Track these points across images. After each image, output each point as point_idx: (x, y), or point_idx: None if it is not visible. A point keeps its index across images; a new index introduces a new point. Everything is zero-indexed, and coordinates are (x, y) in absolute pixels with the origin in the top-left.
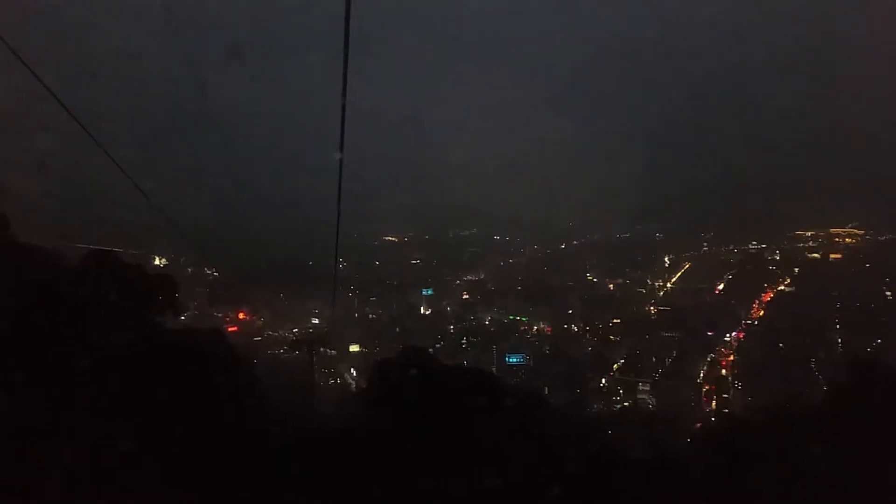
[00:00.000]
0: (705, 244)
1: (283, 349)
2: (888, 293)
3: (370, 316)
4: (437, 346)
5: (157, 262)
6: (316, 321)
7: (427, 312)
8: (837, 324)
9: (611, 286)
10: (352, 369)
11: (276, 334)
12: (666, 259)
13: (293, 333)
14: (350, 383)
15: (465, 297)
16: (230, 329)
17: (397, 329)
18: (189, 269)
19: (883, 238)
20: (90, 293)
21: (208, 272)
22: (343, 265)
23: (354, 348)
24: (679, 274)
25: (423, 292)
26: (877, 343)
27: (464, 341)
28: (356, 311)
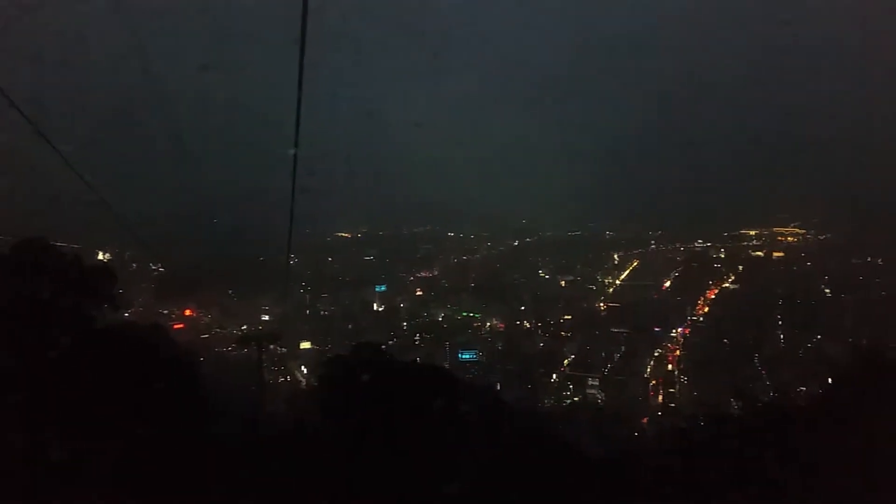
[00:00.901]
0: (653, 242)
1: (232, 347)
2: (827, 290)
3: (322, 313)
4: (391, 342)
5: (100, 256)
6: (266, 318)
7: (380, 309)
8: (780, 320)
9: (562, 283)
10: (302, 367)
11: (225, 332)
12: (615, 256)
13: (242, 331)
14: (300, 381)
15: (418, 293)
16: (176, 326)
17: (350, 326)
18: (134, 265)
19: (823, 237)
20: (20, 285)
21: (154, 268)
22: (295, 261)
23: (305, 345)
24: (628, 271)
25: (377, 289)
26: (817, 339)
27: (417, 338)
28: (308, 307)
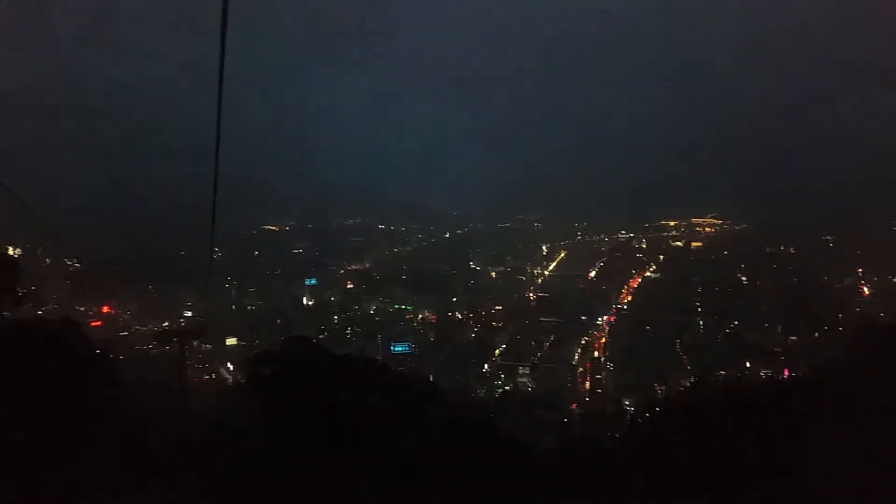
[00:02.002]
0: (579, 234)
1: (153, 344)
2: (743, 278)
3: (249, 308)
4: (321, 336)
5: (10, 251)
6: (189, 314)
7: (310, 303)
8: (699, 307)
9: (493, 274)
10: (228, 364)
11: (146, 328)
12: (544, 248)
13: (162, 327)
14: (227, 378)
15: (349, 286)
16: (93, 324)
17: (278, 321)
18: (48, 260)
19: (739, 227)
20: None
21: (69, 263)
22: (220, 255)
23: (232, 342)
24: (556, 262)
25: (306, 282)
26: (735, 324)
27: (349, 332)
28: (234, 302)
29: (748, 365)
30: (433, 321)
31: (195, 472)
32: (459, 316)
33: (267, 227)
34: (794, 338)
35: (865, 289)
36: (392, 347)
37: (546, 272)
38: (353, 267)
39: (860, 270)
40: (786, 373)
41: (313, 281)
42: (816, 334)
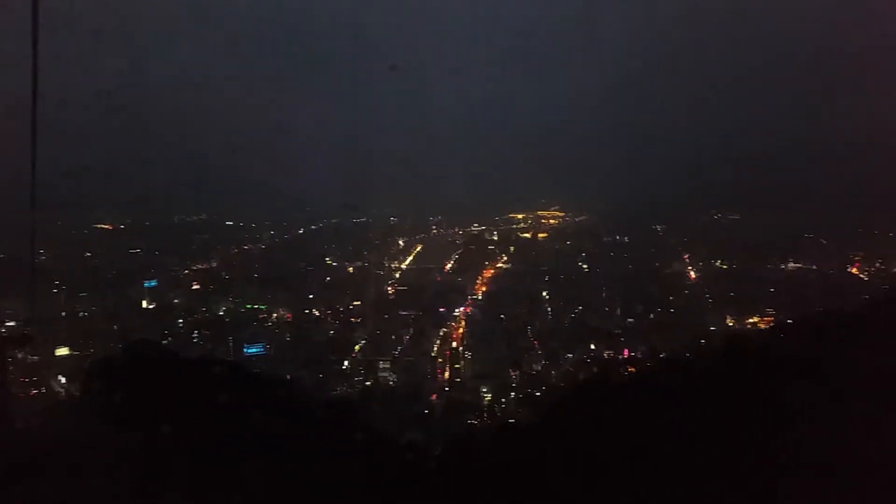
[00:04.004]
0: (434, 227)
1: None
2: (585, 266)
3: (81, 314)
4: (165, 342)
5: None
6: (11, 323)
7: (151, 306)
8: (547, 295)
9: (350, 269)
10: (60, 376)
11: None
12: (400, 242)
13: None
14: (59, 391)
15: (195, 287)
16: None
17: (115, 326)
18: None
19: (580, 219)
20: None
21: None
22: (43, 257)
23: (63, 351)
24: (413, 255)
25: (146, 284)
26: (579, 310)
27: (195, 335)
28: (63, 309)
29: (592, 347)
30: (289, 320)
31: (25, 494)
32: (317, 313)
33: (99, 225)
34: (631, 320)
35: (692, 273)
36: (245, 349)
37: (403, 266)
38: (199, 266)
39: (686, 257)
40: (625, 352)
41: (154, 283)
42: (651, 316)
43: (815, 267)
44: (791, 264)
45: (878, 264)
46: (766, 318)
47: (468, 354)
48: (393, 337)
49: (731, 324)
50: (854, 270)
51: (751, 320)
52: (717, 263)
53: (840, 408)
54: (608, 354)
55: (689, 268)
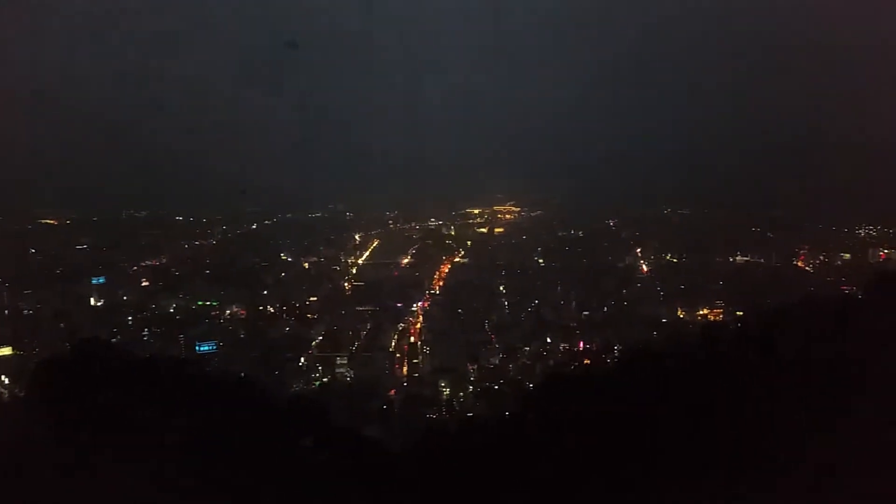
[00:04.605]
0: (391, 222)
1: None
2: (540, 261)
3: (26, 312)
4: (114, 340)
5: None
6: None
7: (99, 304)
8: (503, 289)
9: (306, 265)
10: (2, 376)
11: None
12: (356, 237)
13: None
14: (1, 392)
15: (144, 284)
16: None
17: (62, 325)
18: None
19: (535, 214)
20: None
21: None
22: None
23: (6, 351)
24: (369, 250)
25: (94, 281)
26: (535, 303)
27: (146, 332)
28: (5, 306)
29: (549, 340)
30: (243, 316)
31: None
32: (272, 310)
33: (44, 220)
34: (586, 313)
35: (644, 266)
36: (197, 347)
37: (360, 261)
38: (149, 262)
39: (638, 251)
40: (580, 345)
41: (102, 279)
42: (605, 309)
43: (762, 260)
44: (739, 257)
45: (821, 257)
46: (715, 310)
47: (426, 349)
48: (350, 333)
49: (681, 315)
50: (799, 263)
51: (701, 312)
52: (668, 257)
53: (798, 396)
54: (564, 347)
55: (642, 261)
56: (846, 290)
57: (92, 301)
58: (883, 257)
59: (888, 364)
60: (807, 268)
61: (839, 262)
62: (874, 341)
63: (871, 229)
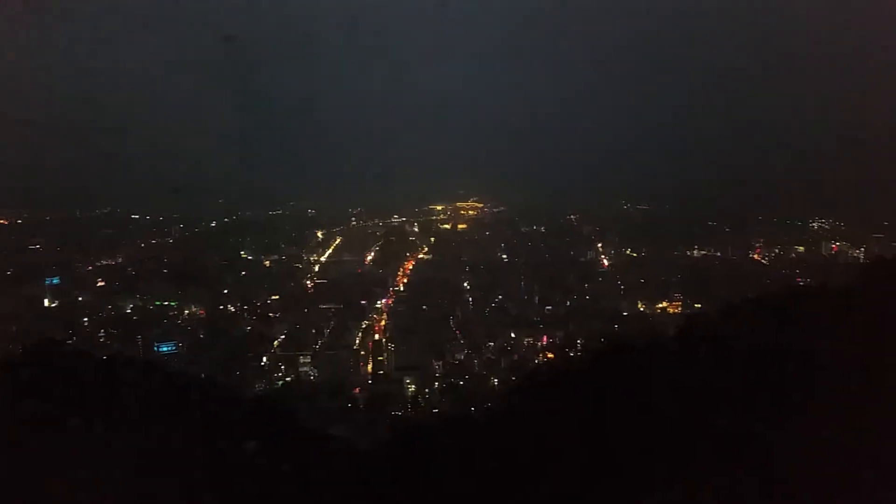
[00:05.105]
0: (353, 219)
1: None
2: (504, 256)
3: None
4: (69, 342)
5: None
6: None
7: (54, 305)
8: (468, 285)
9: (267, 263)
10: None
11: None
12: (319, 234)
13: None
14: None
15: (100, 284)
16: None
17: (14, 327)
18: None
19: (498, 210)
20: None
21: None
22: None
23: None
24: (332, 248)
25: (48, 281)
26: (499, 299)
27: (102, 334)
28: None
29: (513, 335)
30: (202, 316)
31: None
32: (232, 309)
33: None
34: (549, 307)
35: (605, 261)
36: (156, 348)
37: (322, 259)
38: (104, 262)
39: (599, 245)
40: (544, 339)
41: (56, 280)
42: (568, 303)
43: (719, 254)
44: (697, 251)
45: (777, 250)
46: (674, 303)
47: (391, 346)
48: (313, 331)
49: (642, 308)
50: (756, 256)
51: (660, 305)
52: (628, 251)
53: (764, 390)
54: (528, 342)
55: (602, 256)
56: (800, 281)
57: (46, 302)
58: (835, 249)
59: (841, 355)
60: (763, 261)
61: (793, 255)
62: (824, 333)
63: (823, 222)
